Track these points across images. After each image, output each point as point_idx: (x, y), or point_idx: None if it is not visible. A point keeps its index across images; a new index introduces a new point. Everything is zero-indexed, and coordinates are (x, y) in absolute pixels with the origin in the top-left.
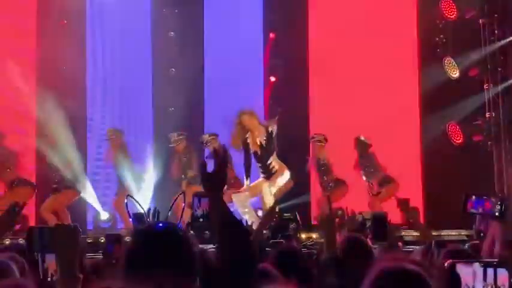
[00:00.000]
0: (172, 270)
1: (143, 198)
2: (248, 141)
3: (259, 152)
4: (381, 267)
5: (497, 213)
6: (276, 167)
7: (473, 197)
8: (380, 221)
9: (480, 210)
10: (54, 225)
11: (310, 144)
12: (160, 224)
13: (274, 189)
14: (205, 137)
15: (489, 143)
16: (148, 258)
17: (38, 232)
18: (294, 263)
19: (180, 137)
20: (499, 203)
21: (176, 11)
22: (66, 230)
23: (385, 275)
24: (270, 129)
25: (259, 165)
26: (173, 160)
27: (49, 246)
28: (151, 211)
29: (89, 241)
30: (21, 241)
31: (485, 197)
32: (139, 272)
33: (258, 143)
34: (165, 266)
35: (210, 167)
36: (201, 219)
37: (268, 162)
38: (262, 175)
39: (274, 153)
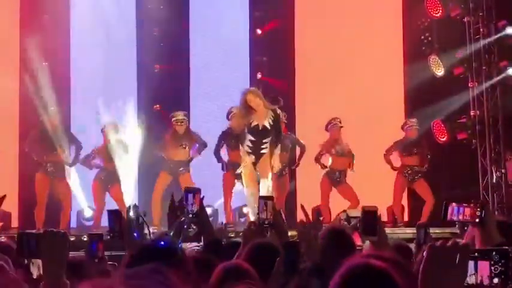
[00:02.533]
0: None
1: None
2: (252, 122)
3: (260, 128)
4: (347, 264)
5: (477, 220)
6: (267, 151)
7: (454, 204)
8: (370, 215)
9: (460, 217)
10: (43, 232)
11: (330, 129)
12: (162, 242)
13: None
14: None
15: (474, 140)
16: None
17: (26, 238)
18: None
19: (185, 118)
20: (478, 209)
21: (161, 7)
22: (54, 236)
23: (350, 271)
24: (278, 111)
25: (253, 139)
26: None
27: (37, 253)
28: (132, 208)
29: (72, 239)
30: (2, 239)
31: (465, 204)
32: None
33: (264, 123)
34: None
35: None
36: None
37: (264, 140)
38: (248, 154)
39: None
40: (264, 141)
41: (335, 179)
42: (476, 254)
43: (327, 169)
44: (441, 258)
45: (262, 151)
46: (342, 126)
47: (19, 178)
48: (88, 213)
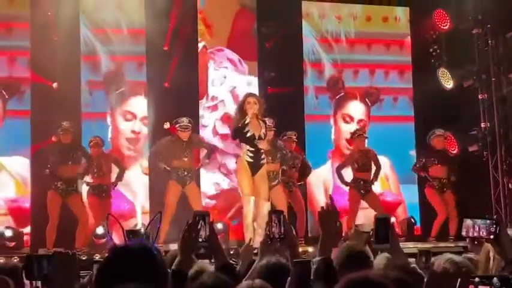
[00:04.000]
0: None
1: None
2: (248, 132)
3: (256, 137)
4: (346, 278)
5: (492, 236)
6: (265, 161)
7: (469, 220)
8: (382, 223)
9: (476, 233)
10: (52, 253)
11: (355, 140)
12: (134, 241)
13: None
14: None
15: (485, 152)
16: (121, 273)
17: (36, 261)
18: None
19: (189, 124)
20: (493, 225)
21: (169, 24)
22: (64, 258)
23: (349, 285)
24: (267, 123)
25: (252, 149)
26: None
27: (48, 275)
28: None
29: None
30: (15, 259)
31: (480, 220)
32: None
33: (260, 133)
34: (138, 281)
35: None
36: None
37: (262, 150)
38: (249, 164)
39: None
40: (261, 151)
41: (361, 189)
42: (477, 279)
43: (348, 183)
44: (442, 284)
45: (262, 161)
46: (366, 137)
47: (31, 196)
48: (100, 230)
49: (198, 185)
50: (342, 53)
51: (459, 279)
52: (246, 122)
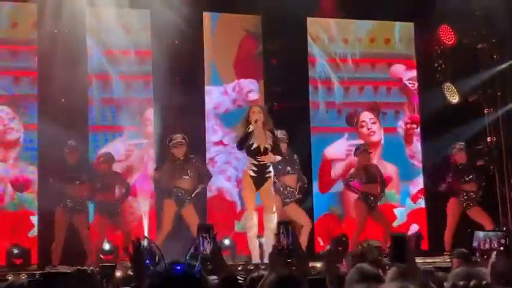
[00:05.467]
0: None
1: None
2: (253, 144)
3: (262, 150)
4: None
5: (501, 248)
6: (271, 174)
7: (480, 232)
8: (398, 241)
9: (487, 246)
10: (71, 271)
11: (359, 155)
12: (178, 267)
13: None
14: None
15: (491, 167)
16: None
17: (54, 278)
18: None
19: (183, 141)
20: (502, 236)
21: (176, 42)
22: (82, 275)
23: None
24: (276, 133)
25: (256, 162)
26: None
27: None
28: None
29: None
30: (23, 276)
31: (490, 232)
32: None
33: (266, 145)
34: None
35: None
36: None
37: (267, 163)
38: (252, 178)
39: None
40: (267, 164)
41: (370, 203)
42: None
43: (359, 193)
44: None
45: (267, 175)
46: (371, 152)
47: (38, 214)
48: (106, 246)
49: (197, 208)
50: (349, 71)
51: None
52: (250, 131)
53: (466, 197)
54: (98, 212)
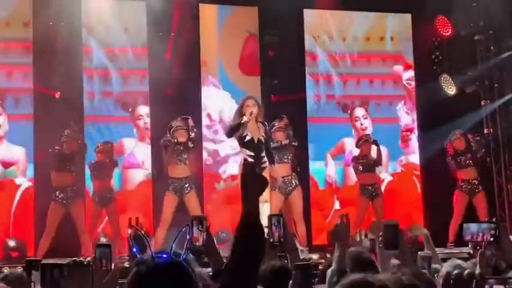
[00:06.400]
0: None
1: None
2: (246, 136)
3: (256, 141)
4: (347, 280)
5: (491, 239)
6: (266, 165)
7: (472, 225)
8: (390, 229)
9: (480, 238)
10: (67, 263)
11: (361, 145)
12: (164, 256)
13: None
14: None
15: (488, 159)
16: None
17: (50, 270)
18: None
19: (182, 124)
20: (493, 228)
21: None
22: (79, 267)
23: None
24: (266, 126)
25: (251, 154)
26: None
27: (62, 284)
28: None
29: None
30: (19, 269)
31: (483, 224)
32: None
33: (259, 136)
34: None
35: None
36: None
37: (262, 154)
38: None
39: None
40: (262, 155)
41: (370, 193)
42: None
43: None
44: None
45: (263, 165)
46: (372, 143)
47: (34, 207)
48: (103, 239)
49: (199, 193)
50: (347, 67)
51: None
52: (242, 122)
53: (468, 187)
54: (92, 201)
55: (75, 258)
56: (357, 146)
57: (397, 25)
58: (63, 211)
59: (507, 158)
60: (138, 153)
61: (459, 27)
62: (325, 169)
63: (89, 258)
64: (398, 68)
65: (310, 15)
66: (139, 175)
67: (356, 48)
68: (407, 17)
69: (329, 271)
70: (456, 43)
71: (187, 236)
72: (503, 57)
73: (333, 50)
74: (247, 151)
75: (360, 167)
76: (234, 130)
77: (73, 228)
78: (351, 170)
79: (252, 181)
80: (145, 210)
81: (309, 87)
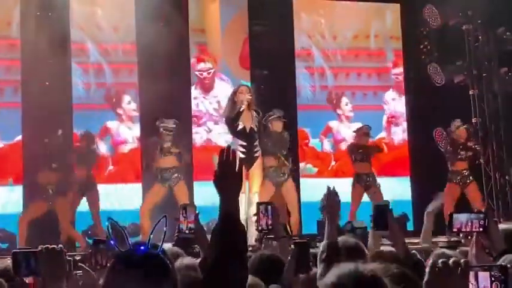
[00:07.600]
0: None
1: None
2: (238, 125)
3: (248, 130)
4: (337, 269)
5: (481, 229)
6: (259, 154)
7: (461, 215)
8: (380, 210)
9: (468, 228)
10: (39, 249)
11: (358, 136)
12: (141, 248)
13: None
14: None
15: (477, 147)
16: (128, 284)
17: (23, 257)
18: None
19: (175, 126)
20: (482, 218)
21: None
22: (51, 253)
23: (341, 277)
24: (260, 113)
25: (243, 143)
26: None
27: (36, 271)
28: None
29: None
30: (8, 261)
31: (472, 215)
32: None
33: (252, 125)
34: None
35: None
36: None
37: (255, 143)
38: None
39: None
40: (255, 144)
41: (365, 183)
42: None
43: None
44: (443, 272)
45: (256, 154)
46: (370, 136)
47: (23, 199)
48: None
49: (189, 183)
50: (338, 61)
51: (459, 268)
52: (241, 110)
53: (459, 178)
54: (76, 192)
55: (47, 245)
56: (356, 133)
57: (381, 25)
58: (47, 207)
59: (495, 147)
60: (123, 132)
61: (448, 16)
62: (321, 144)
63: (61, 246)
64: (387, 64)
65: (304, 16)
66: (127, 147)
67: (345, 45)
68: (396, 7)
69: (320, 245)
70: (444, 33)
71: (164, 228)
72: (492, 46)
73: (325, 47)
74: (240, 141)
75: (357, 157)
76: (234, 120)
77: (58, 223)
78: (341, 146)
79: (229, 181)
80: None
81: (304, 80)
